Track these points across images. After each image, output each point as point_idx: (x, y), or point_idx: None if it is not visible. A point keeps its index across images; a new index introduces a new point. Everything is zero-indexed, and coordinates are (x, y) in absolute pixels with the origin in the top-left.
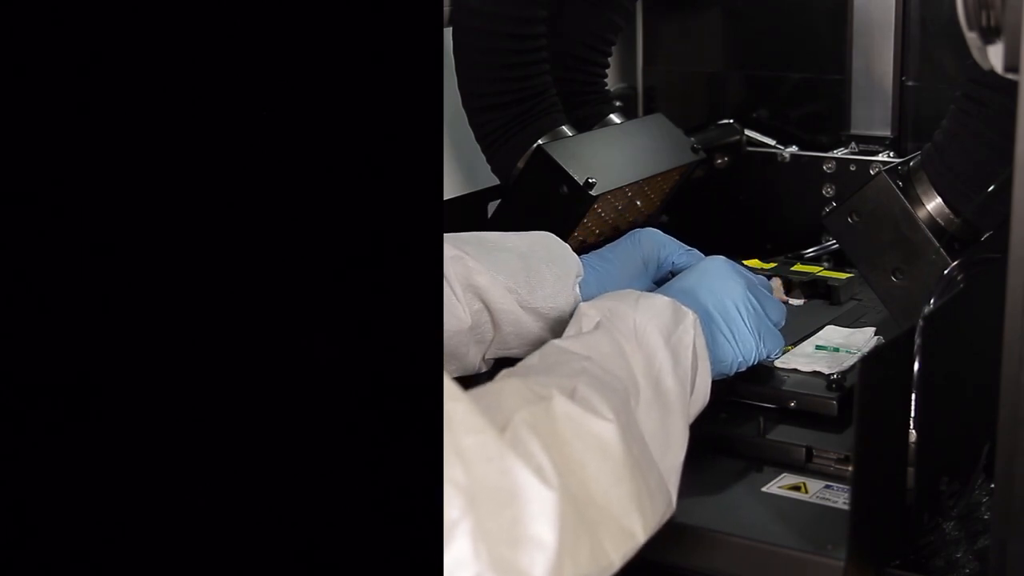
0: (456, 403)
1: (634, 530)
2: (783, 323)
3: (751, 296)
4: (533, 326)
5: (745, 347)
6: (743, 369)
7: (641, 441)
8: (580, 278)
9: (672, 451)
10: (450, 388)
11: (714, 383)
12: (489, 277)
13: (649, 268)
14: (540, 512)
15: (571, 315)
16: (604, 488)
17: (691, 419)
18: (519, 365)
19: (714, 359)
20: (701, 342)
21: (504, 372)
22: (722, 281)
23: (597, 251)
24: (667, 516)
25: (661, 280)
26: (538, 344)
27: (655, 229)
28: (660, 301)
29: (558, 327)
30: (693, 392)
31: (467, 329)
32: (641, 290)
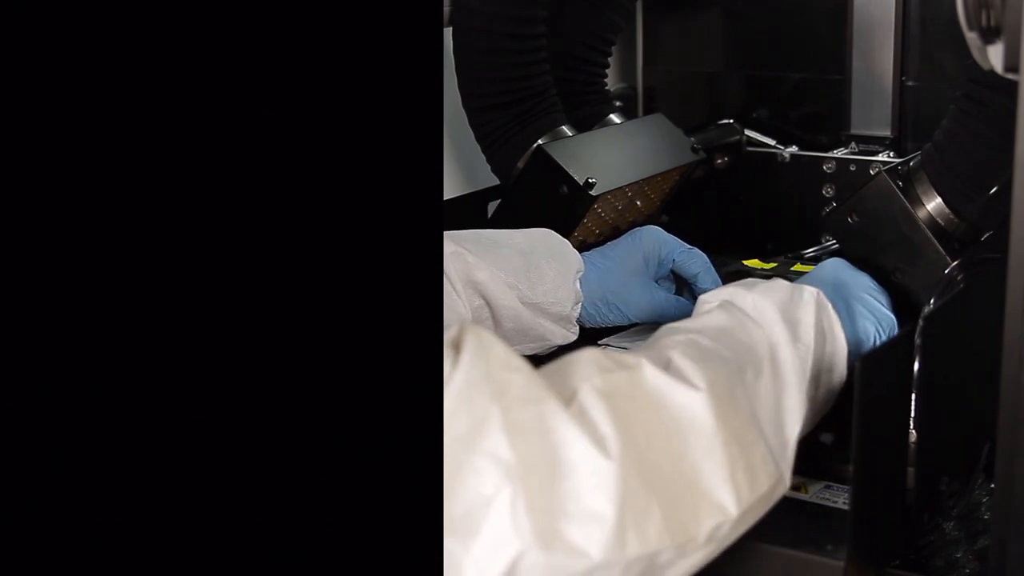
0: (515, 374)
1: (724, 504)
2: None
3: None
4: (534, 322)
5: (887, 321)
6: None
7: (745, 414)
8: (581, 274)
9: (786, 426)
10: (511, 360)
11: None
12: (489, 273)
13: (650, 266)
14: (598, 484)
15: (572, 311)
16: (690, 460)
17: (826, 400)
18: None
19: (854, 338)
20: (829, 317)
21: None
22: (848, 270)
23: (598, 248)
24: (777, 493)
25: (662, 278)
26: (540, 340)
27: (656, 227)
28: (778, 283)
29: (559, 323)
30: (826, 370)
31: None
32: (641, 287)
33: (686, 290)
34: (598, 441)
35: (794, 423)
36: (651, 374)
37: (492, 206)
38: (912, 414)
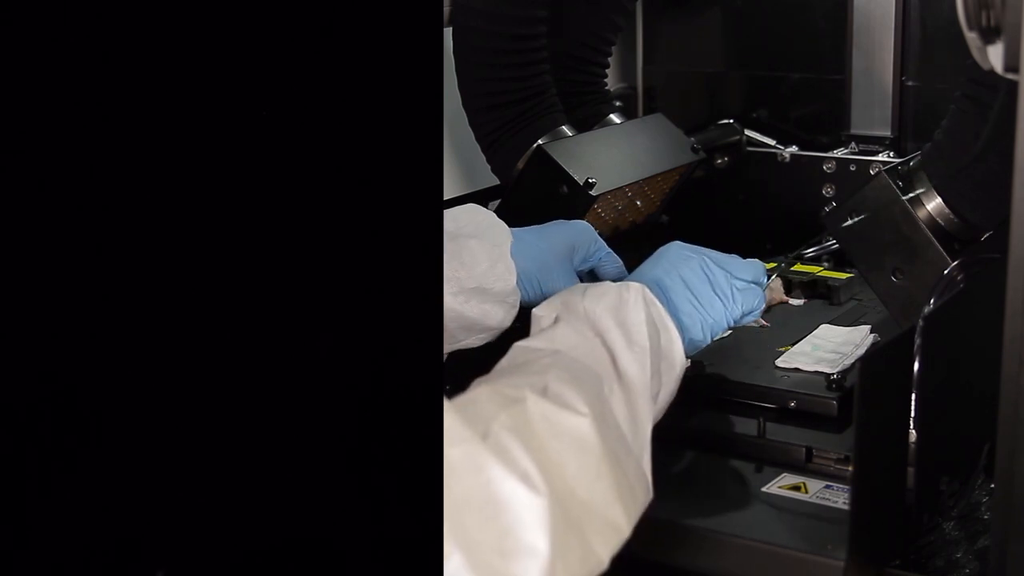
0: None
1: (619, 523)
2: (763, 280)
3: (709, 263)
4: (479, 309)
5: (712, 310)
6: (723, 333)
7: (617, 430)
8: (511, 243)
9: (640, 433)
10: None
11: (711, 379)
12: None
13: (576, 257)
14: (531, 520)
15: (514, 284)
16: (586, 484)
17: (670, 390)
18: (492, 372)
19: (682, 328)
20: (658, 311)
21: (477, 381)
22: (675, 256)
23: (529, 227)
24: (647, 504)
25: (581, 272)
26: (486, 329)
27: (588, 224)
28: (606, 285)
29: (502, 300)
30: (666, 363)
31: None
32: (566, 273)
33: None
34: (524, 477)
35: (646, 428)
36: (538, 404)
37: (492, 206)
38: (912, 414)
